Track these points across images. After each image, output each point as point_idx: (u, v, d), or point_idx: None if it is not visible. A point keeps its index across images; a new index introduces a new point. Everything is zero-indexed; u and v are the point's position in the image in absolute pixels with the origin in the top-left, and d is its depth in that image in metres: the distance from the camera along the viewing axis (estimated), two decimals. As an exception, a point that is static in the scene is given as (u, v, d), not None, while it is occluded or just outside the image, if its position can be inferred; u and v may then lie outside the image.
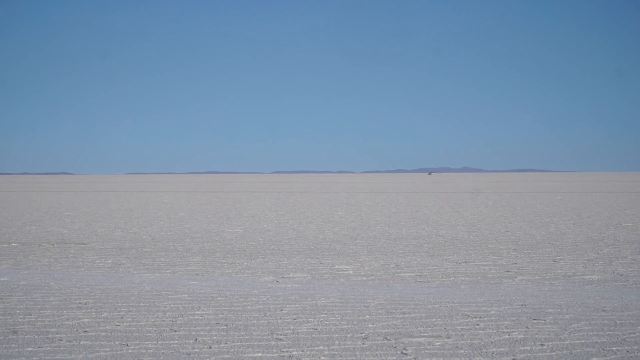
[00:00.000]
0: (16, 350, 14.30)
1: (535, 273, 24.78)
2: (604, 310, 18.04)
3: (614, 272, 24.98)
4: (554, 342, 14.74)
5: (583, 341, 14.82)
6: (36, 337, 15.41)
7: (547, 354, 13.85)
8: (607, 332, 15.60)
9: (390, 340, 15.01)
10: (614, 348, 14.23)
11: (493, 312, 17.97)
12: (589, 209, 65.34)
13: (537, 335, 15.35)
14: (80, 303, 19.27)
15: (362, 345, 14.54)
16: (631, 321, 16.70)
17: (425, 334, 15.51)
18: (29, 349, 14.35)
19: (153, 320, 17.11)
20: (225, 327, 16.34)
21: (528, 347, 14.32)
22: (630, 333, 15.49)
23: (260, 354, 13.87)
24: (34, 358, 13.62)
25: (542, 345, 14.52)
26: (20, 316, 17.60)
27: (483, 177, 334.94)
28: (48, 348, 14.40)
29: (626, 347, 14.27)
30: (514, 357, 13.58)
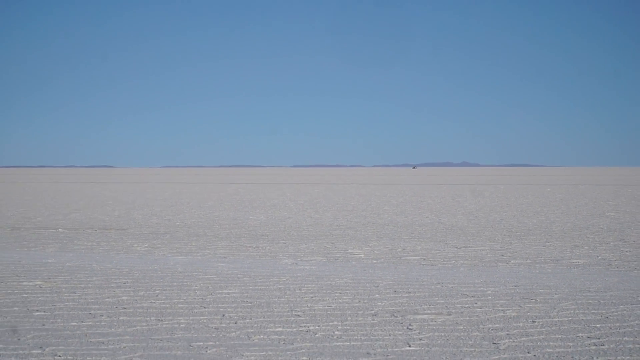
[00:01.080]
0: (62, 324, 14.23)
1: (527, 257, 24.72)
2: (588, 291, 17.96)
3: (598, 256, 24.92)
4: (543, 320, 14.66)
5: (570, 319, 14.74)
6: (80, 313, 15.36)
7: (538, 329, 13.76)
8: (592, 311, 15.51)
9: (397, 317, 14.93)
10: (597, 325, 14.14)
11: (489, 292, 17.90)
12: (576, 200, 65.35)
13: (528, 313, 15.27)
14: (119, 282, 19.24)
15: (372, 321, 14.47)
16: (613, 301, 16.63)
17: (429, 312, 15.44)
18: (73, 323, 14.29)
19: (185, 298, 17.07)
20: (249, 304, 16.28)
21: (520, 324, 14.23)
22: (612, 312, 15.41)
23: (280, 329, 13.80)
24: (78, 332, 13.55)
25: (533, 322, 14.44)
26: (66, 294, 17.55)
27: (481, 171, 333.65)
28: (90, 323, 14.35)
29: (609, 324, 14.19)
30: (507, 332, 13.48)
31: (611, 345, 12.54)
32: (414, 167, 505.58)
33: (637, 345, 12.55)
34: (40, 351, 12.14)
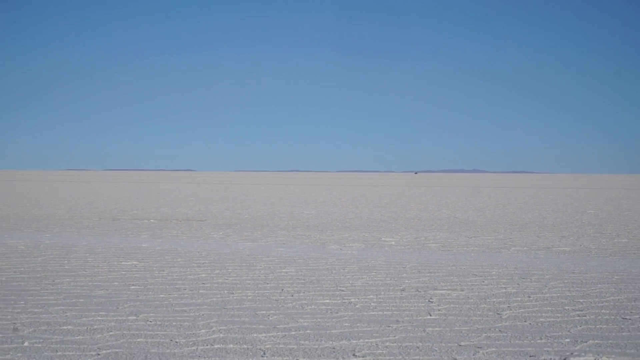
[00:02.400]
0: (152, 296, 14.27)
1: (524, 245, 24.62)
2: (573, 273, 17.88)
3: (580, 245, 24.80)
4: (537, 295, 14.60)
5: (558, 294, 14.68)
6: (167, 287, 15.39)
7: (533, 303, 13.71)
8: (576, 288, 15.44)
9: (420, 292, 14.90)
10: (580, 300, 14.08)
11: (494, 272, 17.84)
12: (564, 200, 65.03)
13: (525, 290, 15.21)
14: (199, 263, 19.27)
15: (400, 295, 14.45)
16: (593, 280, 16.55)
17: (446, 288, 15.40)
18: (162, 295, 14.33)
19: (251, 275, 17.08)
20: (303, 281, 16.29)
21: (519, 298, 14.18)
22: (592, 289, 15.33)
23: (328, 301, 13.79)
24: (165, 302, 13.58)
25: (529, 297, 14.39)
26: (156, 272, 17.59)
27: (488, 176, 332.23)
28: (176, 295, 14.38)
29: (589, 299, 14.12)
30: (508, 305, 13.43)
31: (592, 316, 12.49)
32: (415, 173, 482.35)
33: (612, 317, 12.50)
34: (135, 317, 12.19)
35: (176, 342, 10.47)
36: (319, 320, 12.05)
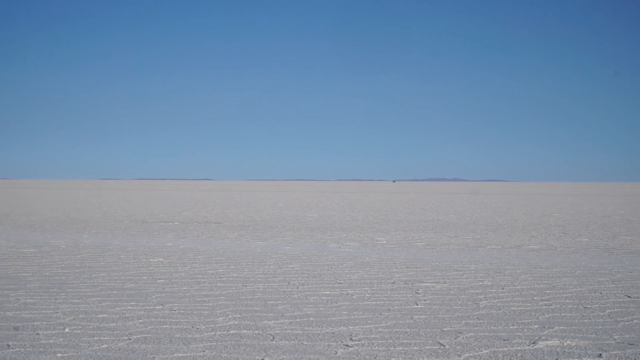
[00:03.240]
0: (176, 288, 14.27)
1: (498, 244, 24.62)
2: (541, 268, 17.88)
3: (547, 244, 24.81)
4: (510, 287, 14.60)
5: (528, 286, 14.68)
6: (189, 280, 15.40)
7: (506, 294, 13.71)
8: (543, 281, 15.44)
9: (408, 284, 14.91)
10: (547, 291, 14.08)
11: (472, 268, 17.84)
12: (532, 205, 65.09)
13: (499, 283, 15.21)
14: (217, 259, 19.27)
15: (391, 287, 14.45)
16: (558, 274, 16.56)
17: (430, 281, 15.40)
18: (185, 288, 14.33)
19: (262, 270, 17.08)
20: (307, 275, 16.29)
21: (494, 290, 14.18)
22: (557, 282, 15.34)
23: (328, 292, 13.80)
24: (188, 294, 13.59)
25: (502, 289, 14.39)
26: (179, 267, 17.60)
27: (466, 184, 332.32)
28: (196, 287, 14.39)
29: (555, 291, 14.13)
30: (485, 296, 13.44)
31: (557, 306, 12.49)
32: (394, 182, 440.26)
33: (575, 306, 12.50)
34: (161, 307, 12.20)
35: (197, 328, 10.48)
36: (320, 309, 12.06)
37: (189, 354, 8.95)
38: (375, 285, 14.72)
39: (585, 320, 11.16)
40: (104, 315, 11.38)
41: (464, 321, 11.05)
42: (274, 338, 9.86)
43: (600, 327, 10.69)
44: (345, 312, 11.74)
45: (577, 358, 8.85)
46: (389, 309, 12.03)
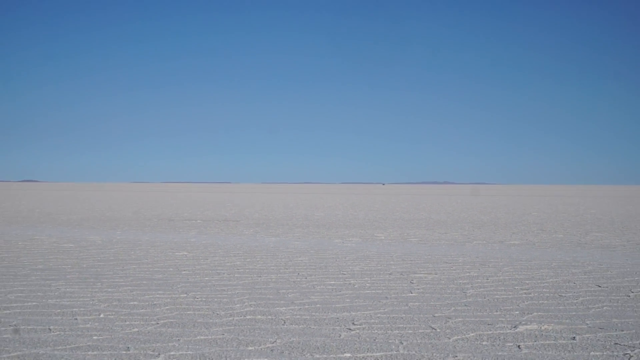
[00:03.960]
0: (199, 278, 14.29)
1: (483, 239, 24.62)
2: (521, 260, 17.87)
3: (526, 239, 24.81)
4: (493, 277, 14.60)
5: (510, 277, 14.68)
6: (210, 272, 15.41)
7: (490, 283, 13.71)
8: (523, 272, 15.44)
9: (404, 275, 14.91)
10: (527, 281, 14.08)
11: (460, 260, 17.84)
12: (513, 205, 65.14)
13: (484, 274, 15.21)
14: (235, 253, 19.29)
15: (388, 278, 14.45)
16: (536, 266, 16.56)
17: (423, 272, 15.40)
18: (206, 278, 14.34)
19: (274, 263, 17.10)
20: (314, 267, 16.30)
21: (479, 280, 14.18)
22: (535, 273, 15.35)
23: (333, 282, 13.81)
24: (209, 283, 13.60)
25: (487, 279, 14.38)
26: (202, 260, 17.61)
27: (455, 187, 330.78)
28: (217, 278, 14.41)
29: (533, 281, 14.14)
30: (471, 285, 13.43)
31: (535, 294, 12.49)
32: (383, 184, 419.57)
33: (551, 294, 12.50)
34: (185, 295, 12.21)
35: (217, 314, 10.49)
36: (326, 297, 12.06)
37: (210, 337, 8.97)
38: (375, 276, 14.72)
39: (561, 307, 11.15)
40: (135, 303, 11.40)
41: (452, 308, 11.05)
42: (285, 322, 9.87)
43: (573, 313, 10.69)
44: (348, 300, 11.75)
45: (554, 341, 8.85)
46: (386, 297, 12.04)
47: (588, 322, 9.99)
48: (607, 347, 8.53)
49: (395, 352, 8.20)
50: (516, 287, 13.22)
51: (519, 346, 8.55)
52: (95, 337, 8.90)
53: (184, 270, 15.52)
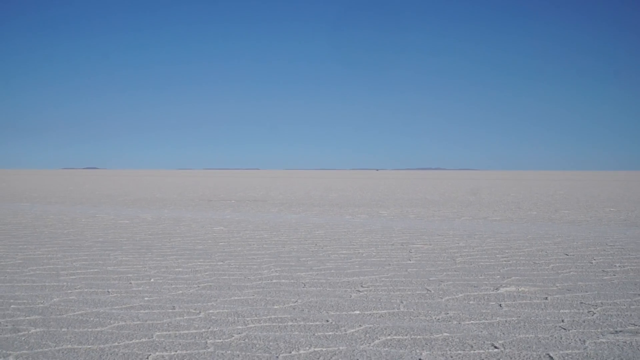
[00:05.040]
0: (233, 249, 14.30)
1: (470, 216, 24.57)
2: (501, 233, 17.83)
3: (506, 216, 24.76)
4: (478, 247, 14.56)
5: (492, 247, 14.64)
6: (242, 243, 15.43)
7: (475, 252, 13.68)
8: (504, 243, 15.40)
9: (403, 245, 14.89)
10: (506, 250, 14.04)
11: (450, 233, 17.80)
12: (494, 188, 65.07)
13: (470, 244, 15.17)
14: (263, 228, 19.32)
15: (391, 248, 14.44)
16: (514, 238, 16.51)
17: (420, 243, 15.38)
18: (239, 248, 14.36)
19: (296, 236, 17.10)
20: (329, 239, 16.30)
21: (467, 250, 14.15)
22: (513, 244, 15.30)
23: (345, 252, 13.80)
24: (242, 253, 13.63)
25: (473, 248, 14.35)
26: (235, 233, 17.64)
27: (448, 173, 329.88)
28: (248, 248, 14.42)
29: (512, 250, 14.10)
30: (460, 254, 13.40)
31: (514, 261, 12.46)
32: (377, 170, 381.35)
33: (527, 261, 12.46)
34: (222, 263, 12.23)
35: (248, 278, 10.50)
36: (339, 264, 12.06)
37: (243, 298, 8.98)
38: (379, 247, 14.71)
39: (535, 272, 11.12)
40: (180, 269, 11.43)
41: (444, 273, 11.03)
42: (304, 285, 9.87)
43: (545, 277, 10.65)
44: (357, 267, 11.75)
45: (529, 300, 8.82)
46: (389, 264, 12.03)
47: (558, 284, 9.96)
48: (574, 305, 8.51)
49: (396, 310, 8.19)
50: (497, 256, 13.19)
51: (500, 305, 8.53)
52: (146, 298, 8.93)
53: (221, 242, 15.55)
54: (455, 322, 7.52)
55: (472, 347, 6.53)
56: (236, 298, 8.93)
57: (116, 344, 6.63)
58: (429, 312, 8.09)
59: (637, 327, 7.33)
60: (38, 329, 7.18)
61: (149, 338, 6.85)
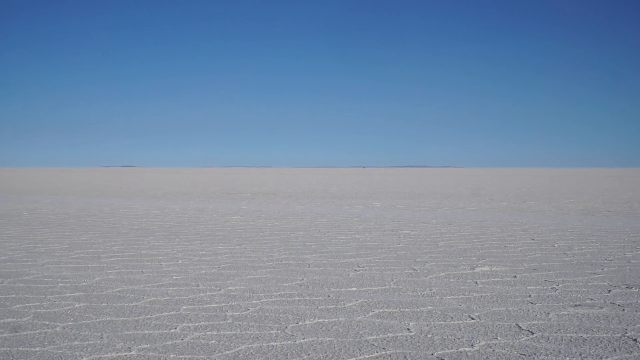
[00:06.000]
0: (249, 235, 14.27)
1: (450, 207, 24.53)
2: (477, 221, 17.79)
3: (481, 206, 24.72)
4: (457, 233, 14.53)
5: (469, 233, 14.61)
6: (257, 230, 15.39)
7: (454, 237, 13.65)
8: (479, 229, 15.37)
9: (394, 232, 14.86)
10: (481, 236, 14.01)
11: (433, 221, 17.77)
12: (472, 183, 64.98)
13: (450, 230, 15.14)
14: (274, 217, 19.29)
15: (382, 234, 14.41)
16: (487, 225, 16.48)
17: (407, 230, 15.35)
18: (253, 234, 14.34)
19: (302, 224, 17.08)
20: (330, 226, 16.27)
21: (447, 235, 14.12)
22: (487, 230, 15.28)
23: (343, 237, 13.78)
24: (255, 238, 13.60)
25: (453, 234, 14.32)
26: (251, 222, 17.62)
27: (429, 170, 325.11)
28: (261, 234, 14.40)
29: (486, 236, 14.06)
30: (441, 239, 13.37)
31: (487, 245, 12.43)
32: (364, 168, 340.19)
33: (499, 245, 12.44)
34: (239, 247, 12.22)
35: (261, 259, 10.49)
36: (339, 247, 12.05)
37: (257, 276, 8.97)
38: (373, 233, 14.69)
39: (505, 254, 11.10)
40: (203, 252, 11.42)
41: (428, 255, 11.01)
42: (309, 266, 9.86)
43: (515, 258, 10.63)
44: (354, 250, 11.73)
45: (500, 278, 8.81)
46: (381, 247, 12.01)
47: (525, 265, 9.94)
48: (539, 282, 8.49)
49: (388, 287, 8.18)
50: (473, 240, 13.16)
51: (476, 282, 8.51)
52: (174, 277, 8.93)
53: (238, 229, 15.54)
54: (437, 297, 7.51)
55: (452, 318, 6.52)
56: (251, 277, 8.92)
57: (149, 316, 6.63)
58: (415, 288, 8.08)
59: (593, 301, 7.32)
60: (82, 304, 7.17)
61: (176, 311, 6.84)
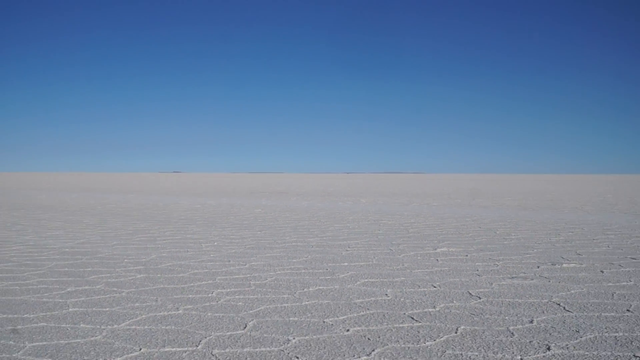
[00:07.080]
0: (267, 223, 14.26)
1: (418, 202, 24.45)
2: (438, 214, 17.76)
3: (441, 202, 24.60)
4: (423, 223, 14.48)
5: (432, 222, 14.58)
6: (274, 220, 15.40)
7: (421, 225, 13.63)
8: (439, 220, 15.33)
9: (375, 221, 14.82)
10: (441, 225, 13.98)
11: (405, 214, 17.74)
12: (437, 185, 64.67)
13: (419, 220, 15.12)
14: (287, 211, 19.27)
15: (367, 223, 14.38)
16: (446, 217, 16.43)
17: (386, 220, 15.30)
18: (270, 223, 14.32)
19: (307, 215, 17.06)
20: (328, 217, 16.25)
21: (416, 224, 14.09)
22: (446, 220, 15.22)
23: (338, 225, 13.76)
24: (272, 227, 13.59)
25: (420, 223, 14.30)
26: (269, 214, 17.60)
27: (420, 175, 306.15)
28: (277, 224, 14.39)
29: (445, 224, 14.03)
30: (412, 226, 13.36)
31: (446, 231, 12.41)
32: (347, 174, 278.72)
33: (456, 232, 12.41)
34: (260, 232, 12.20)
35: (276, 242, 10.49)
36: (334, 233, 12.04)
37: (273, 254, 8.97)
38: (360, 222, 14.67)
39: (460, 239, 11.10)
40: (233, 236, 11.42)
41: (401, 239, 11.01)
42: (312, 246, 9.86)
43: (467, 242, 10.63)
44: (346, 235, 11.73)
45: (456, 257, 8.81)
46: (366, 233, 12.01)
47: (474, 247, 9.94)
48: (485, 260, 8.49)
49: (371, 262, 8.19)
50: (435, 228, 13.15)
51: (437, 260, 8.51)
52: (211, 255, 8.94)
53: (259, 219, 15.53)
54: (408, 271, 7.52)
55: (419, 286, 6.53)
56: (269, 254, 8.93)
57: (192, 284, 6.65)
58: (392, 264, 8.09)
59: (526, 274, 7.32)
60: (141, 275, 7.19)
61: (213, 280, 6.86)
